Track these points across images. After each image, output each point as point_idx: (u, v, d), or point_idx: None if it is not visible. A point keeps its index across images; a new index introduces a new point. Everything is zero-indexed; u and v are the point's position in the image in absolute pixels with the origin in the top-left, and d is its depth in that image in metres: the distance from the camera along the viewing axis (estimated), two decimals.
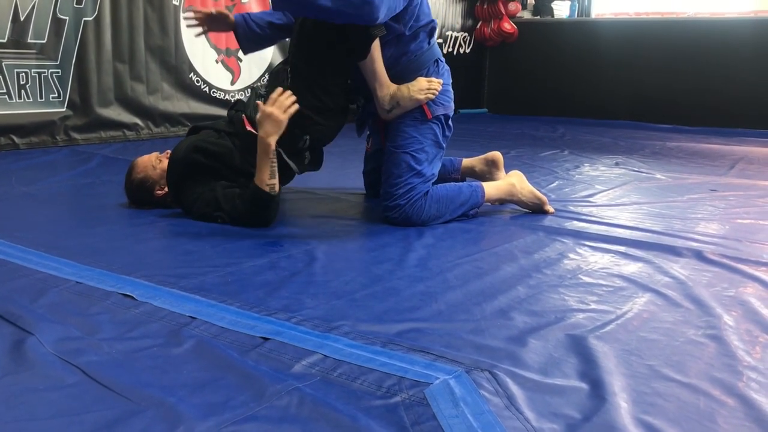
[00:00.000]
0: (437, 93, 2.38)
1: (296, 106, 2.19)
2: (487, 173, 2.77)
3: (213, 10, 2.59)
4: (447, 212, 2.39)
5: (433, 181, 2.43)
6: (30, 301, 1.53)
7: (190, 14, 2.58)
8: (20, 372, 1.20)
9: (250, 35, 2.58)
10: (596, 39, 6.57)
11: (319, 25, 2.22)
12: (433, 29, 2.44)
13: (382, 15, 2.13)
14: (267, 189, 2.18)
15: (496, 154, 2.80)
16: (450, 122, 2.47)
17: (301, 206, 2.59)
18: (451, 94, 2.48)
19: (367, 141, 2.79)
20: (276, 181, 2.20)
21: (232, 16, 2.56)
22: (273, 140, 2.16)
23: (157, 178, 2.40)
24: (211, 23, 2.58)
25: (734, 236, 2.27)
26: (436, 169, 2.44)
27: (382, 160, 2.50)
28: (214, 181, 2.29)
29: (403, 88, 2.35)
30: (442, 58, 2.50)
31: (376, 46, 2.25)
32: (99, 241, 2.05)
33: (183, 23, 4.41)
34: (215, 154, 2.29)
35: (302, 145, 2.33)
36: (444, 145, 2.47)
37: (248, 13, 2.62)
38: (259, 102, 2.21)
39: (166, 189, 2.39)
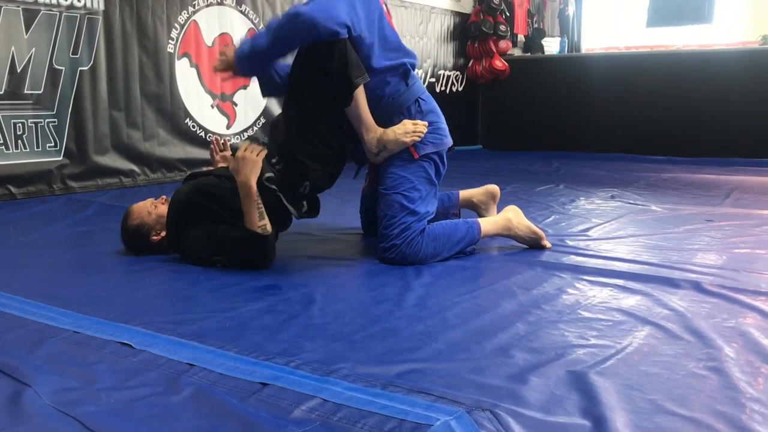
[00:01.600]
0: (423, 135, 2.39)
1: (265, 151, 2.25)
2: (484, 205, 2.81)
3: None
4: (444, 250, 2.39)
5: (430, 218, 2.43)
6: (27, 353, 1.52)
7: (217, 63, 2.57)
8: (18, 425, 1.19)
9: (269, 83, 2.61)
10: (587, 74, 6.65)
11: (304, 76, 2.27)
12: (407, 71, 2.43)
13: (334, 24, 2.16)
14: (259, 231, 2.19)
15: (495, 187, 2.85)
16: (444, 159, 2.48)
17: (299, 247, 2.59)
18: (444, 131, 2.48)
19: (366, 178, 2.80)
20: (266, 221, 2.21)
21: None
22: (253, 182, 2.19)
23: (152, 224, 2.41)
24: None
25: (732, 266, 2.27)
26: (431, 207, 2.45)
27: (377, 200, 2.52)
28: (213, 224, 2.30)
29: (389, 131, 2.37)
30: (426, 96, 2.49)
31: (360, 92, 2.28)
32: (96, 290, 2.05)
33: (178, 70, 4.47)
34: (216, 196, 2.30)
35: (303, 190, 2.35)
36: (437, 182, 2.48)
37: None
38: (227, 155, 2.27)
39: (162, 234, 2.40)
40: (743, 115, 5.84)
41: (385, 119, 2.40)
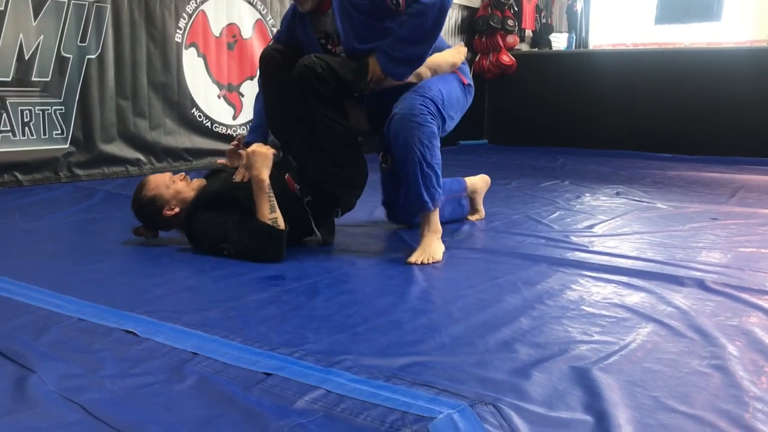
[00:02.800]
0: (466, 53, 2.53)
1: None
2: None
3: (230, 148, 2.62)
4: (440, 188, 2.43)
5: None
6: (32, 339, 1.53)
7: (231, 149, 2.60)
8: (22, 411, 1.20)
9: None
10: (594, 70, 6.63)
11: (309, 116, 2.30)
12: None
13: None
14: (269, 223, 2.20)
15: (487, 178, 3.07)
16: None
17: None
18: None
19: (382, 160, 2.70)
20: (277, 214, 2.22)
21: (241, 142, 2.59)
22: (266, 175, 2.23)
23: (169, 198, 2.38)
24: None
25: (736, 265, 2.27)
26: (456, 120, 2.53)
27: (398, 192, 2.58)
28: (229, 213, 2.30)
29: (435, 56, 2.45)
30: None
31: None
32: (102, 277, 2.05)
33: (185, 59, 4.47)
34: (246, 196, 2.29)
35: (336, 216, 2.49)
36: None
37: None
38: (240, 151, 2.36)
39: (176, 210, 2.38)
40: (750, 113, 5.82)
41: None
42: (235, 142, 2.64)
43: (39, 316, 1.68)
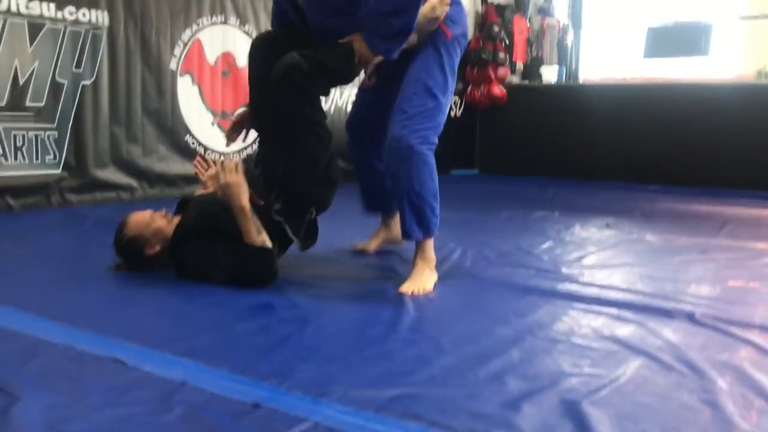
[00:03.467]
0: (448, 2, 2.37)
1: (241, 164, 2.28)
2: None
3: (234, 118, 2.64)
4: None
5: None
6: (19, 366, 1.51)
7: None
8: None
9: None
10: (584, 103, 6.70)
11: (286, 111, 2.29)
12: None
13: None
14: (259, 244, 2.21)
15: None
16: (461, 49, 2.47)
17: (294, 267, 2.59)
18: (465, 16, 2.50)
19: (369, 77, 2.62)
20: (264, 236, 2.23)
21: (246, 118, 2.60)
22: (246, 202, 2.23)
23: (149, 237, 2.36)
24: (240, 128, 2.61)
25: (726, 299, 2.28)
26: (450, 97, 2.46)
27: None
28: (216, 242, 2.30)
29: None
30: None
31: (358, 43, 2.28)
32: (90, 304, 2.04)
33: (180, 87, 4.49)
34: (223, 221, 2.28)
35: (309, 216, 2.41)
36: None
37: None
38: (207, 182, 2.44)
39: (157, 249, 2.37)
40: (738, 147, 5.88)
41: None
42: (199, 161, 2.69)
43: (26, 343, 1.67)
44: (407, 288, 2.27)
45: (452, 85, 2.45)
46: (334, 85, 2.39)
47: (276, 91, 2.27)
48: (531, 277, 2.54)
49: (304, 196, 2.39)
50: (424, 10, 2.31)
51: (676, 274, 2.65)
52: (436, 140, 2.41)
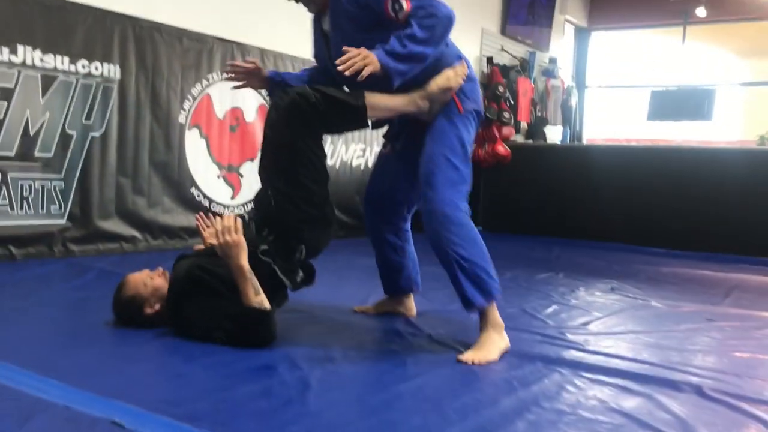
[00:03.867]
0: (465, 75, 2.40)
1: (239, 221, 2.24)
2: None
3: (250, 64, 2.64)
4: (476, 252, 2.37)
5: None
6: (16, 427, 1.49)
7: (229, 68, 2.67)
8: None
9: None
10: (589, 163, 6.74)
11: (286, 142, 2.31)
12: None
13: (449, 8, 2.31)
14: (256, 306, 2.19)
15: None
16: (477, 124, 2.53)
17: (295, 327, 2.56)
18: (480, 93, 2.54)
19: (384, 146, 2.74)
20: (262, 297, 2.22)
21: (265, 71, 2.64)
22: (244, 262, 2.21)
23: (148, 296, 2.36)
24: (247, 78, 2.64)
25: (733, 371, 2.25)
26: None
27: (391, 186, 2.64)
28: (214, 299, 2.28)
29: (431, 84, 2.37)
30: (464, 57, 2.51)
31: (371, 96, 2.33)
32: (90, 361, 2.02)
33: (187, 140, 4.53)
34: (218, 274, 2.29)
35: (299, 255, 2.37)
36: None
37: (280, 72, 2.73)
38: (209, 243, 2.41)
39: (157, 308, 2.36)
40: (742, 212, 5.88)
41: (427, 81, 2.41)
42: (201, 216, 2.73)
43: (24, 402, 1.64)
44: (470, 357, 2.21)
45: (470, 154, 2.48)
46: (341, 125, 2.41)
47: (281, 117, 2.31)
48: (536, 343, 2.51)
49: (294, 230, 2.36)
50: (438, 79, 2.37)
51: (682, 343, 2.62)
52: (467, 207, 2.42)
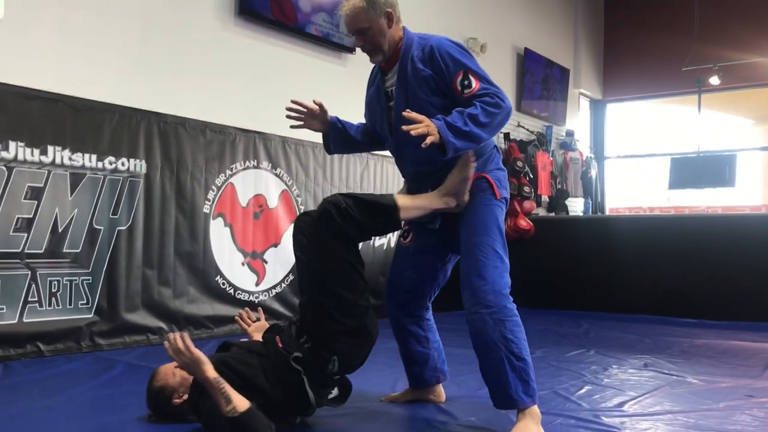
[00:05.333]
0: (475, 163, 2.42)
1: (186, 336, 2.17)
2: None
3: (315, 105, 2.63)
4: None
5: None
6: None
7: (293, 105, 2.64)
8: None
9: (344, 136, 2.73)
10: (612, 235, 6.69)
11: (324, 253, 2.29)
12: None
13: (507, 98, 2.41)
14: (229, 416, 2.07)
15: None
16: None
17: (322, 418, 2.52)
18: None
19: (403, 234, 2.74)
20: (233, 404, 2.07)
21: (328, 115, 2.67)
22: (208, 374, 2.11)
23: (176, 386, 2.36)
24: (307, 119, 2.66)
25: None
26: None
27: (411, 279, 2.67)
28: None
29: (447, 181, 2.43)
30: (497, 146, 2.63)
31: (402, 197, 2.41)
32: None
33: (212, 229, 4.59)
34: (240, 372, 2.27)
35: (332, 367, 2.30)
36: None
37: (341, 119, 2.76)
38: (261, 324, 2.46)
39: (185, 398, 2.35)
40: None
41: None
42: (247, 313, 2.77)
43: None
44: None
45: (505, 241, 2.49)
46: (373, 228, 2.39)
47: (314, 228, 2.31)
48: (570, 427, 2.44)
49: (327, 340, 2.29)
50: (454, 172, 2.42)
51: (722, 423, 2.53)
52: None
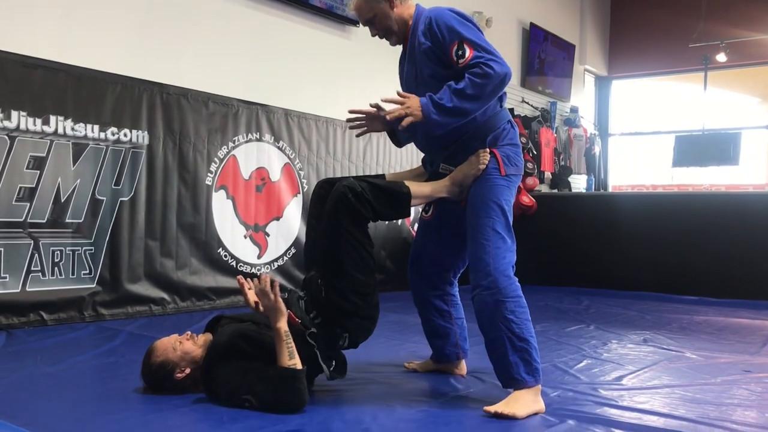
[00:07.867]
0: (487, 160, 2.43)
1: (276, 283, 2.27)
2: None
3: (372, 109, 2.63)
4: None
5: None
6: None
7: (351, 116, 2.65)
8: None
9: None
10: (615, 211, 6.68)
11: (338, 232, 2.33)
12: (504, 94, 2.51)
13: (507, 67, 2.34)
14: (289, 367, 2.19)
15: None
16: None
17: (328, 388, 2.54)
18: (522, 160, 2.56)
19: (425, 210, 2.75)
20: (297, 360, 2.22)
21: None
22: (283, 324, 2.24)
23: (177, 361, 2.37)
24: (369, 123, 2.66)
25: None
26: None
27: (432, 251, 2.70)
28: (250, 363, 2.28)
29: (456, 172, 2.47)
30: (514, 123, 2.59)
31: (412, 185, 2.45)
32: (119, 429, 2.01)
33: (214, 201, 4.60)
34: (260, 342, 2.31)
35: (342, 343, 2.39)
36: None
37: None
38: (253, 305, 2.42)
39: (187, 371, 2.36)
40: None
41: (478, 135, 2.47)
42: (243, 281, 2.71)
43: None
44: (495, 408, 2.20)
45: (511, 220, 2.48)
46: (386, 213, 2.41)
47: (329, 209, 2.35)
48: (569, 400, 2.46)
49: (341, 318, 2.38)
50: (463, 167, 2.47)
51: (719, 397, 2.55)
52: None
